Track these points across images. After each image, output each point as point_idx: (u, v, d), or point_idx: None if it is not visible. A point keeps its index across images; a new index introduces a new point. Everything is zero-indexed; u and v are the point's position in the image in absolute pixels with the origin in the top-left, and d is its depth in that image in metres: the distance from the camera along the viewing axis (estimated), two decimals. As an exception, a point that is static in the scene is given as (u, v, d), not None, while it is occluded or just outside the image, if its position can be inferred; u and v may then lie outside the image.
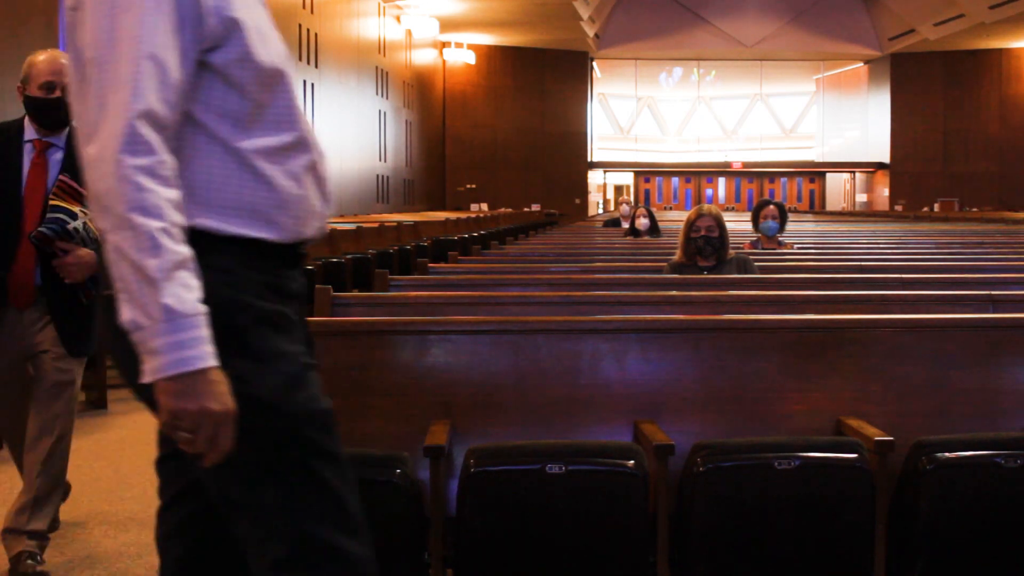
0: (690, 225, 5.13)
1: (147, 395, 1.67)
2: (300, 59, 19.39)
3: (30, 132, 3.58)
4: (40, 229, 3.43)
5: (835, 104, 38.38)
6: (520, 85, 32.06)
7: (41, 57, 3.59)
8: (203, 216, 1.71)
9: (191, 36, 1.68)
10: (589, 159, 33.67)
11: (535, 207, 30.75)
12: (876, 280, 5.00)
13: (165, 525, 1.96)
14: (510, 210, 28.12)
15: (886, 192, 34.32)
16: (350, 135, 22.24)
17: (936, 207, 31.19)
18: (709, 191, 37.43)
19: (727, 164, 36.08)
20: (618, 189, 38.31)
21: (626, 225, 11.09)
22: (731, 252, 5.23)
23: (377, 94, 24.53)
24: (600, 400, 3.09)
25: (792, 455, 2.67)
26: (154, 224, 1.59)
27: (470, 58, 30.73)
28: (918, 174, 33.51)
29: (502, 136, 31.91)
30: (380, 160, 24.71)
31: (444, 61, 31.41)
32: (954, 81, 33.30)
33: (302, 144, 1.86)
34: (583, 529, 2.66)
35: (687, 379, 3.12)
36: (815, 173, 38.67)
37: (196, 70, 1.70)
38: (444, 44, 30.77)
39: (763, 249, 6.91)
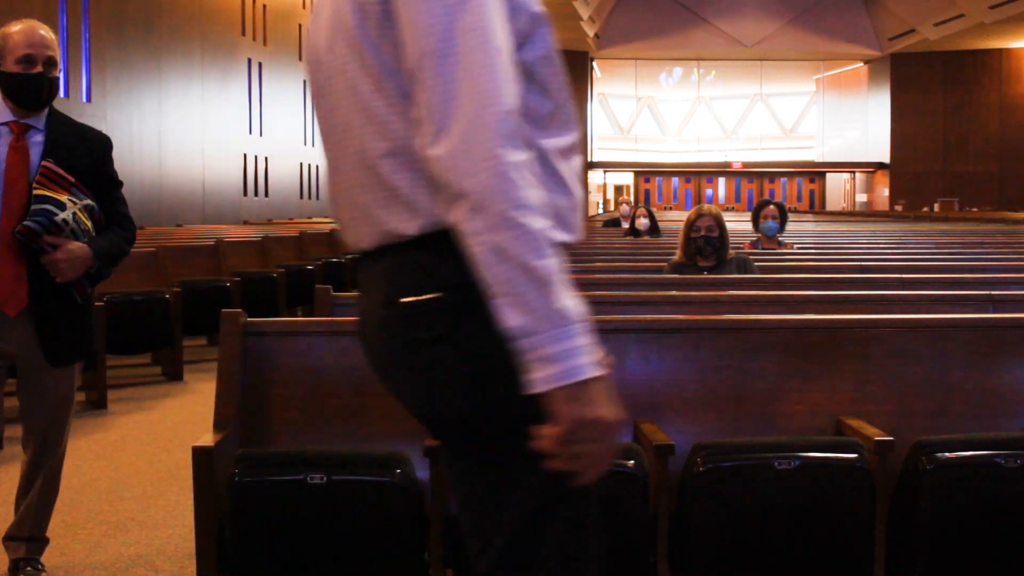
0: (690, 225, 5.13)
1: (453, 418, 1.58)
2: (300, 59, 19.40)
3: (3, 113, 3.18)
4: (25, 223, 3.06)
5: (835, 104, 38.39)
6: (520, 85, 32.02)
7: (16, 27, 3.17)
8: None
9: (512, 31, 1.59)
10: (589, 159, 33.69)
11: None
12: (876, 280, 5.00)
13: None
14: (510, 210, 28.10)
15: (886, 192, 34.34)
16: (350, 135, 22.20)
17: (936, 207, 31.21)
18: (709, 191, 37.44)
19: (727, 164, 36.10)
20: (618, 189, 38.33)
21: (626, 225, 11.10)
22: (731, 252, 5.23)
23: (377, 94, 24.52)
24: (600, 400, 3.08)
25: (792, 455, 2.67)
26: (541, 224, 1.48)
27: (470, 58, 30.72)
28: (918, 174, 33.53)
29: (502, 136, 31.86)
30: (380, 160, 24.69)
31: (444, 61, 31.40)
32: (954, 81, 33.32)
33: (577, 144, 1.78)
34: (583, 529, 2.65)
35: (687, 379, 3.12)
36: (815, 173, 38.69)
37: None
38: (444, 44, 30.76)
39: (763, 249, 6.91)
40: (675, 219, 14.58)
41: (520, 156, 1.49)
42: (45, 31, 3.18)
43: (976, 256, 7.38)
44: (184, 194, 14.82)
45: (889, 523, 2.77)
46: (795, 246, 7.60)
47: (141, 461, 5.11)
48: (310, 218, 18.16)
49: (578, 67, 32.88)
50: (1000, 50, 32.57)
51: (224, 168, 16.28)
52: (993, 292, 4.09)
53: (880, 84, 34.42)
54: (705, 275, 5.02)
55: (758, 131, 39.38)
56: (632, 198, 35.85)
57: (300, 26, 19.31)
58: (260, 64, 17.44)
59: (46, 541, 3.47)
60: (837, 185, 38.55)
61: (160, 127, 14.07)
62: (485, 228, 1.47)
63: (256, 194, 17.58)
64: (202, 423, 2.55)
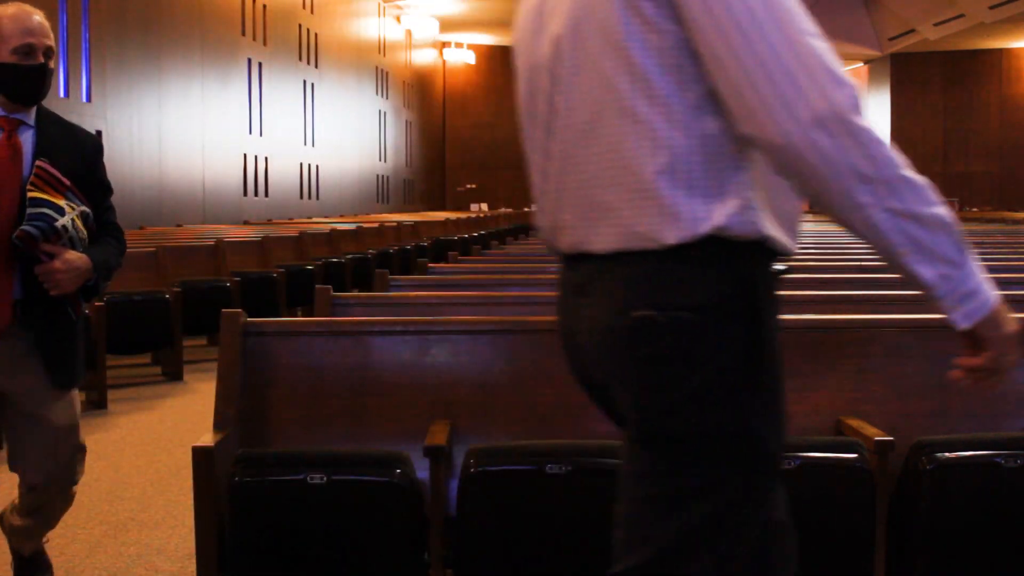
0: (690, 225, 5.13)
1: (684, 423, 1.58)
2: (300, 59, 19.41)
3: None
4: (24, 228, 2.75)
5: (835, 104, 38.37)
6: (520, 85, 32.05)
7: (8, 12, 2.82)
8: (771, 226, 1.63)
9: None
10: (589, 159, 33.67)
11: (535, 207, 30.75)
12: (876, 280, 5.00)
13: None
14: (510, 210, 28.13)
15: (886, 192, 34.31)
16: (350, 135, 22.24)
17: (936, 207, 31.19)
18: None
19: (727, 164, 36.10)
20: (618, 189, 38.33)
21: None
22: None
23: (377, 94, 24.54)
24: (600, 400, 3.08)
25: (792, 455, 2.67)
26: (912, 171, 1.53)
27: (470, 58, 30.74)
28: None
29: (502, 136, 31.91)
30: (380, 160, 24.72)
31: (444, 61, 31.42)
32: (954, 81, 33.32)
33: None
34: (584, 529, 2.66)
35: (687, 379, 3.11)
36: (815, 173, 38.69)
37: None
38: (444, 44, 30.78)
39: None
40: (675, 219, 14.55)
41: (869, 123, 1.51)
42: (41, 17, 2.89)
43: (976, 256, 7.37)
44: (184, 194, 14.82)
45: (889, 523, 2.77)
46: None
47: (141, 461, 5.11)
48: (310, 218, 18.17)
49: (578, 67, 32.87)
50: (1000, 50, 32.57)
51: (224, 168, 16.29)
52: (993, 292, 4.08)
53: (880, 84, 34.42)
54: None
55: (758, 131, 39.42)
56: (632, 198, 35.79)
57: (300, 26, 19.31)
58: (260, 64, 17.44)
59: (47, 539, 3.39)
60: (837, 185, 38.56)
61: (160, 127, 14.07)
62: (878, 197, 1.50)
63: (256, 194, 17.58)
64: (202, 423, 2.51)
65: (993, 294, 1.61)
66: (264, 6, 17.58)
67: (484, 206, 30.02)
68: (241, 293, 8.07)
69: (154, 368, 7.67)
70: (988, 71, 33.17)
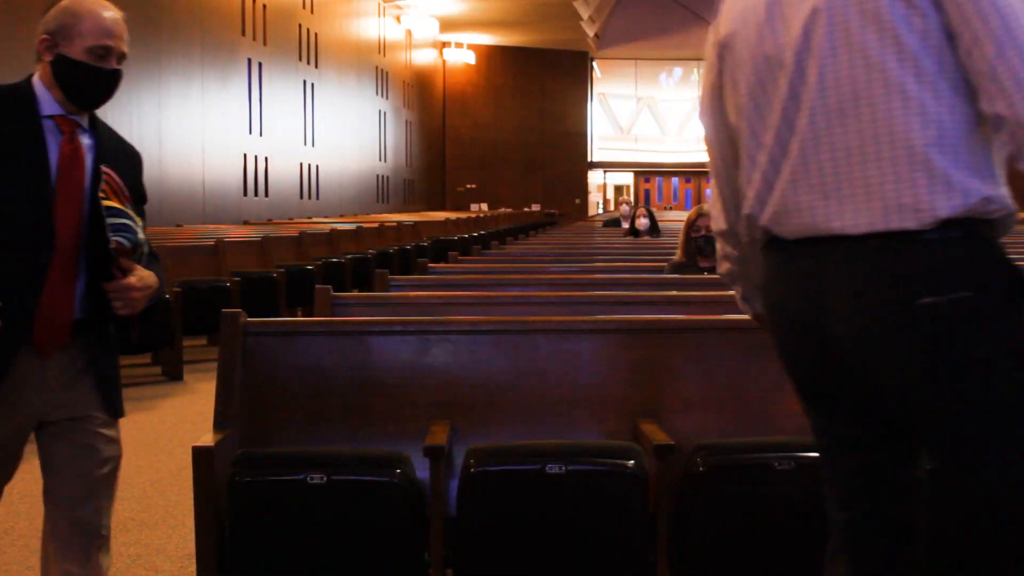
0: (690, 225, 5.13)
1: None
2: (300, 59, 19.41)
3: (50, 105, 2.52)
4: (118, 239, 2.47)
5: (835, 104, 38.38)
6: (520, 85, 32.08)
7: (89, 5, 2.55)
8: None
9: None
10: (589, 159, 33.70)
11: (535, 207, 30.78)
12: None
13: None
14: (510, 210, 28.14)
15: (886, 192, 34.34)
16: (350, 135, 22.24)
17: (936, 207, 31.24)
18: (709, 191, 37.38)
19: (727, 164, 36.08)
20: (618, 189, 38.32)
21: (626, 225, 11.10)
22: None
23: (377, 94, 24.54)
24: (600, 400, 3.09)
25: (792, 455, 2.67)
26: None
27: (470, 58, 30.75)
28: (918, 174, 33.55)
29: (502, 136, 31.93)
30: (380, 160, 24.72)
31: (444, 61, 31.43)
32: (954, 81, 33.34)
33: None
34: (583, 529, 2.66)
35: (687, 379, 3.12)
36: (815, 173, 38.68)
37: None
38: (444, 44, 30.78)
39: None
40: (675, 219, 14.58)
41: None
42: (121, 17, 2.65)
43: None
44: (184, 194, 14.82)
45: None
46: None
47: (141, 461, 5.11)
48: (310, 218, 18.16)
49: (578, 67, 32.89)
50: (1000, 50, 32.60)
51: (224, 168, 16.28)
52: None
53: (880, 84, 34.45)
54: (705, 275, 5.01)
55: (758, 131, 39.40)
56: (632, 198, 35.86)
57: (300, 26, 19.31)
58: (260, 64, 17.44)
59: None
60: (837, 185, 38.56)
61: (160, 127, 14.08)
62: None
63: (256, 194, 17.58)
64: (202, 423, 2.45)
65: None
66: (264, 6, 17.58)
67: (484, 206, 30.02)
68: (241, 293, 8.07)
69: (154, 368, 7.67)
70: (988, 71, 33.17)
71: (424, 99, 29.73)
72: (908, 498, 1.89)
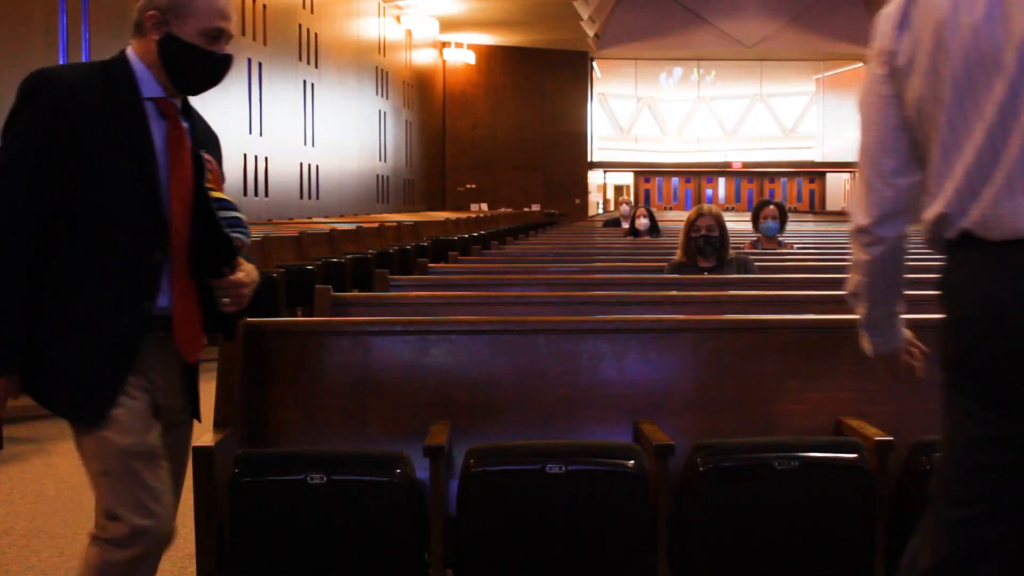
0: (690, 225, 5.13)
1: None
2: (300, 59, 19.40)
3: (151, 86, 2.30)
4: (236, 235, 2.34)
5: (835, 104, 38.37)
6: (520, 85, 32.08)
7: None
8: None
9: None
10: (589, 159, 33.70)
11: (535, 207, 30.77)
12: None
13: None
14: (510, 210, 28.13)
15: (886, 192, 34.29)
16: (350, 135, 22.23)
17: (936, 207, 31.21)
18: (709, 191, 37.42)
19: (727, 164, 36.08)
20: (618, 189, 38.31)
21: (626, 225, 11.10)
22: (731, 252, 5.23)
23: (377, 94, 24.53)
24: (600, 400, 3.09)
25: (792, 455, 2.67)
26: None
27: (470, 58, 30.73)
28: (918, 174, 33.51)
29: (502, 136, 31.92)
30: (380, 160, 24.71)
31: (444, 61, 31.41)
32: (954, 81, 33.29)
33: None
34: (583, 529, 2.66)
35: (687, 379, 3.12)
36: (815, 173, 38.67)
37: None
38: (444, 44, 30.77)
39: (763, 249, 6.91)
40: (675, 219, 14.58)
41: None
42: None
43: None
44: (184, 194, 14.81)
45: (889, 523, 2.77)
46: (795, 246, 7.60)
47: (141, 461, 5.11)
48: (310, 218, 18.16)
49: (578, 67, 32.87)
50: (1000, 50, 32.57)
51: (224, 168, 16.28)
52: (993, 292, 4.08)
53: (880, 84, 34.41)
54: (705, 275, 5.01)
55: (758, 131, 39.32)
56: (632, 198, 35.85)
57: (300, 26, 19.30)
58: (260, 64, 17.44)
59: None
60: (837, 185, 38.52)
61: (160, 127, 14.07)
62: None
63: (256, 194, 17.57)
64: (202, 423, 2.45)
65: None
66: (264, 6, 17.57)
67: (484, 206, 30.01)
68: (241, 293, 8.05)
69: (154, 368, 7.65)
70: (988, 71, 33.14)
71: (424, 99, 29.72)
72: None
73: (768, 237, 7.01)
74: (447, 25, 28.63)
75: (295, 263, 9.68)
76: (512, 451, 2.69)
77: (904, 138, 1.96)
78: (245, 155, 17.21)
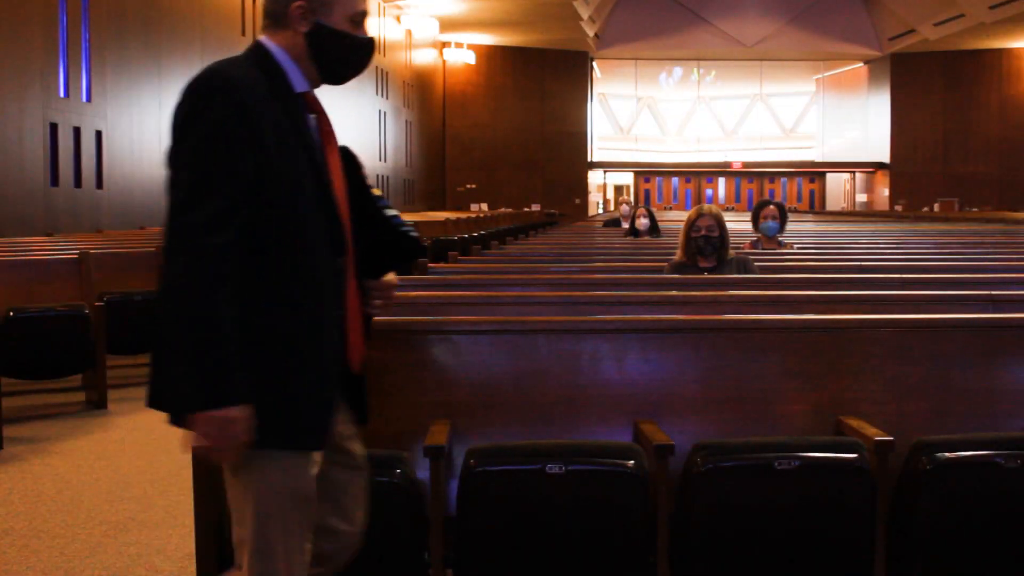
0: (690, 225, 5.13)
1: None
2: (300, 59, 19.37)
3: (300, 81, 2.19)
4: (413, 235, 2.28)
5: (835, 104, 38.39)
6: (520, 85, 32.09)
7: None
8: None
9: None
10: (589, 159, 33.70)
11: (535, 207, 30.78)
12: (876, 280, 5.00)
13: None
14: (510, 210, 28.13)
15: (886, 192, 34.33)
16: (350, 135, 22.21)
17: (936, 207, 31.22)
18: (709, 191, 37.44)
19: (727, 164, 36.09)
20: (618, 189, 38.31)
21: (626, 225, 11.09)
22: (731, 252, 5.22)
23: (377, 94, 24.52)
24: (600, 400, 3.09)
25: (792, 455, 2.67)
26: None
27: (470, 58, 30.73)
28: (918, 174, 33.53)
29: (502, 136, 31.93)
30: (380, 160, 24.70)
31: (444, 61, 31.41)
32: (954, 81, 33.32)
33: None
34: (583, 529, 2.66)
35: (687, 379, 3.12)
36: (815, 173, 38.69)
37: None
38: (444, 44, 30.77)
39: (763, 249, 6.91)
40: (675, 219, 14.57)
41: None
42: None
43: (976, 256, 7.37)
44: (184, 194, 14.81)
45: (889, 523, 2.77)
46: (795, 246, 7.60)
47: (141, 461, 5.11)
48: (310, 218, 18.15)
49: (578, 67, 32.88)
50: (1000, 50, 32.55)
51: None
52: (993, 292, 4.08)
53: (880, 84, 34.41)
54: (705, 275, 5.01)
55: (758, 131, 39.37)
56: (632, 198, 35.86)
57: (300, 26, 19.33)
58: (260, 64, 17.45)
59: None
60: (837, 185, 38.54)
61: (160, 127, 14.06)
62: None
63: (256, 194, 17.58)
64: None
65: None
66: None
67: (484, 206, 30.02)
68: (241, 293, 8.04)
69: (154, 368, 7.65)
70: (988, 71, 33.16)
71: (424, 99, 29.72)
72: None
73: (768, 237, 7.01)
74: (447, 25, 28.62)
75: (295, 263, 9.65)
76: (512, 451, 2.69)
77: None
78: (245, 155, 17.18)
